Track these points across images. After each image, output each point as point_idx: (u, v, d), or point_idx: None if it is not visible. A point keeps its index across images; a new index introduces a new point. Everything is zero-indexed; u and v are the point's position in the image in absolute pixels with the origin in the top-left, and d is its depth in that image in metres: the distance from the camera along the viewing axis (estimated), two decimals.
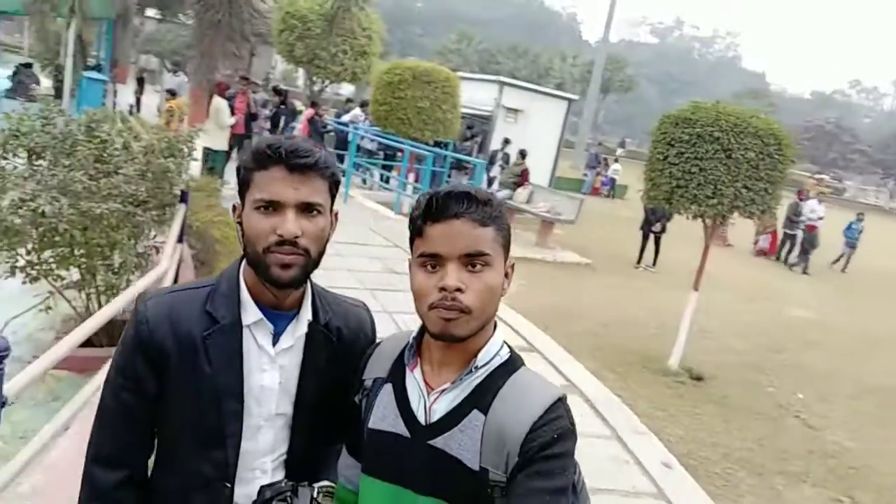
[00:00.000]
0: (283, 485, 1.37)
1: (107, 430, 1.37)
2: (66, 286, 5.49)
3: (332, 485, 1.45)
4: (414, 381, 1.31)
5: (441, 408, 1.27)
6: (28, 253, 5.14)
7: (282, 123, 11.92)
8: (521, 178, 14.75)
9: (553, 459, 1.18)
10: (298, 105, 17.03)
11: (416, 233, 1.25)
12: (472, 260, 1.20)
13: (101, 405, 1.38)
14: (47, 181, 5.01)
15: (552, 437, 1.19)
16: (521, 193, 14.58)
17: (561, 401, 1.26)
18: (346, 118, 16.51)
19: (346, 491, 1.42)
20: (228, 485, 1.38)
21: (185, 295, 1.38)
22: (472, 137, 17.06)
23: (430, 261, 1.22)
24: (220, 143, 10.87)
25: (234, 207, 1.39)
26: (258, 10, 8.96)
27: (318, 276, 1.44)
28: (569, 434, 1.23)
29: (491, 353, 1.29)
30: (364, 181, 15.45)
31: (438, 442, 1.25)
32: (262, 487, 1.38)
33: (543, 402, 1.22)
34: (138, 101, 22.79)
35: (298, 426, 1.45)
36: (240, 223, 1.36)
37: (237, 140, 11.53)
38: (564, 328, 7.88)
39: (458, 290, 1.19)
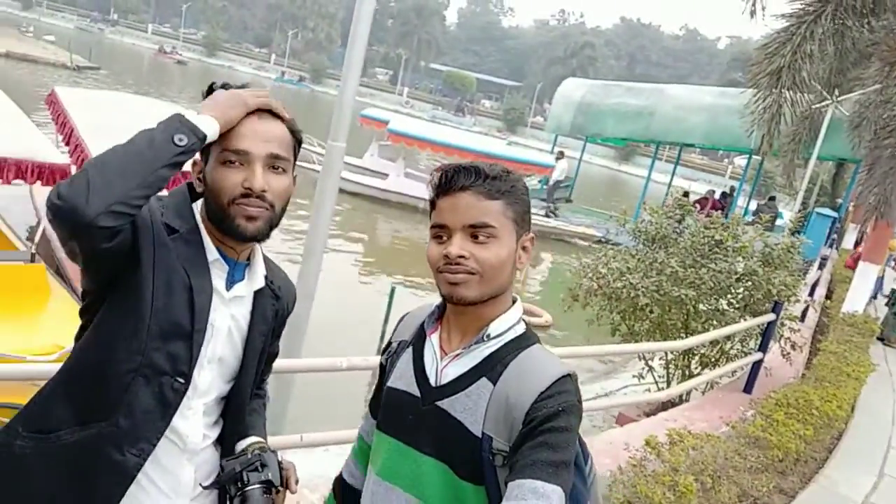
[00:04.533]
0: (249, 456, 1.41)
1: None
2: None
3: (264, 442, 1.52)
4: (431, 345, 1.36)
5: (452, 372, 1.31)
6: (624, 320, 6.09)
7: None
8: None
9: (557, 432, 1.17)
10: None
11: (431, 206, 1.32)
12: (476, 231, 1.24)
13: None
14: (648, 260, 5.88)
15: (557, 409, 1.18)
16: None
17: (570, 377, 1.24)
18: None
19: (364, 445, 1.53)
20: (181, 381, 1.33)
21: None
22: None
23: (440, 231, 1.28)
24: None
25: (195, 163, 1.37)
26: None
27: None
28: (574, 409, 1.21)
29: (505, 326, 1.30)
30: None
31: (444, 403, 1.29)
32: (226, 462, 1.41)
33: (551, 376, 1.22)
34: None
35: (241, 378, 1.45)
36: (200, 179, 1.37)
37: None
38: None
39: (462, 257, 1.23)
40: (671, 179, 22.86)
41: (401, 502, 1.34)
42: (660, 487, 3.53)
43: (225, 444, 1.50)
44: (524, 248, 1.32)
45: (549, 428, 1.17)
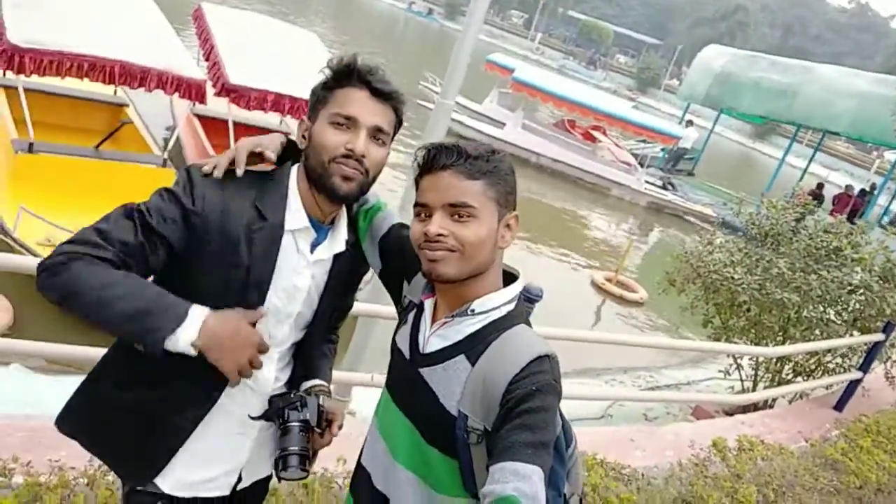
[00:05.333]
0: (291, 395, 1.53)
1: (113, 226, 1.31)
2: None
3: (325, 384, 1.64)
4: (426, 311, 1.42)
5: (436, 343, 1.37)
6: (719, 313, 5.89)
7: None
8: None
9: (534, 413, 1.19)
10: None
11: (415, 185, 1.36)
12: (456, 210, 1.28)
13: (114, 217, 1.33)
14: (755, 256, 5.61)
15: (531, 389, 1.21)
16: None
17: (547, 357, 1.26)
18: None
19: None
20: None
21: (237, 189, 1.41)
22: None
23: (422, 209, 1.32)
24: None
25: (302, 122, 1.47)
26: None
27: None
28: (550, 389, 1.23)
29: (491, 304, 1.34)
30: None
31: (425, 371, 1.36)
32: (272, 398, 1.53)
33: (527, 357, 1.25)
34: None
35: (313, 328, 1.58)
36: (304, 137, 1.45)
37: None
38: None
39: (441, 234, 1.27)
40: (807, 166, 21.25)
41: (380, 448, 1.46)
42: (717, 492, 3.49)
43: (293, 385, 1.65)
44: (508, 227, 1.34)
45: (526, 409, 1.19)
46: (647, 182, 17.38)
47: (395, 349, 1.48)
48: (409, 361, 1.40)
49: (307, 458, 1.52)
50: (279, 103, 7.02)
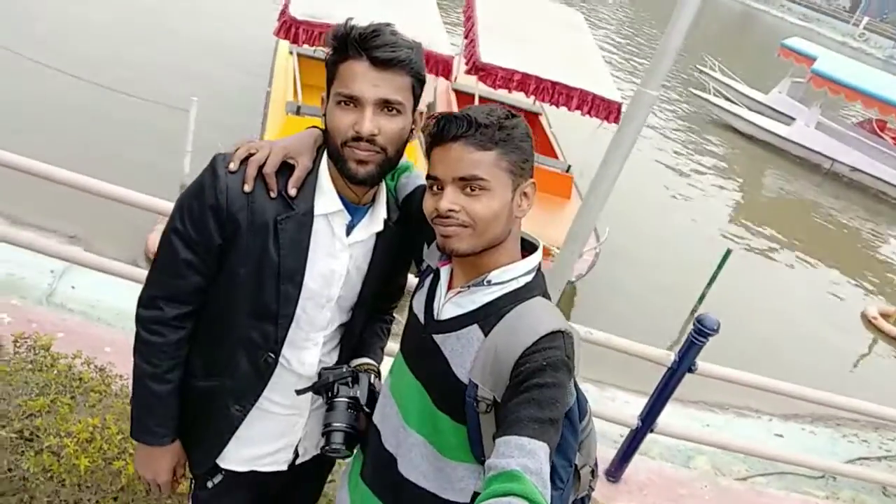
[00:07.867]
0: (343, 370, 1.52)
1: (171, 277, 1.40)
2: None
3: (373, 363, 1.63)
4: (442, 278, 1.40)
5: (450, 310, 1.35)
6: None
7: None
8: None
9: (543, 388, 1.17)
10: None
11: (426, 156, 1.31)
12: (467, 183, 1.23)
13: (165, 252, 1.40)
14: None
15: (541, 364, 1.19)
16: None
17: (561, 333, 1.24)
18: None
19: None
20: (273, 355, 1.47)
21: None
22: None
23: (434, 183, 1.28)
24: None
25: (322, 100, 1.39)
26: None
27: None
28: (560, 365, 1.20)
29: (508, 276, 1.31)
30: None
31: (438, 338, 1.35)
32: (323, 370, 1.52)
33: (540, 331, 1.22)
34: None
35: (358, 309, 1.55)
36: (324, 115, 1.37)
37: None
38: None
39: (452, 210, 1.24)
40: None
41: (391, 410, 1.46)
42: None
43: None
44: (524, 195, 1.30)
45: (535, 384, 1.17)
46: None
47: (410, 313, 1.47)
48: (424, 327, 1.40)
49: (353, 436, 1.50)
50: (525, 83, 7.03)
